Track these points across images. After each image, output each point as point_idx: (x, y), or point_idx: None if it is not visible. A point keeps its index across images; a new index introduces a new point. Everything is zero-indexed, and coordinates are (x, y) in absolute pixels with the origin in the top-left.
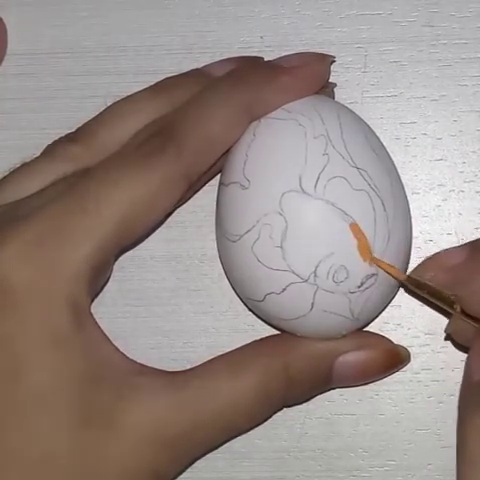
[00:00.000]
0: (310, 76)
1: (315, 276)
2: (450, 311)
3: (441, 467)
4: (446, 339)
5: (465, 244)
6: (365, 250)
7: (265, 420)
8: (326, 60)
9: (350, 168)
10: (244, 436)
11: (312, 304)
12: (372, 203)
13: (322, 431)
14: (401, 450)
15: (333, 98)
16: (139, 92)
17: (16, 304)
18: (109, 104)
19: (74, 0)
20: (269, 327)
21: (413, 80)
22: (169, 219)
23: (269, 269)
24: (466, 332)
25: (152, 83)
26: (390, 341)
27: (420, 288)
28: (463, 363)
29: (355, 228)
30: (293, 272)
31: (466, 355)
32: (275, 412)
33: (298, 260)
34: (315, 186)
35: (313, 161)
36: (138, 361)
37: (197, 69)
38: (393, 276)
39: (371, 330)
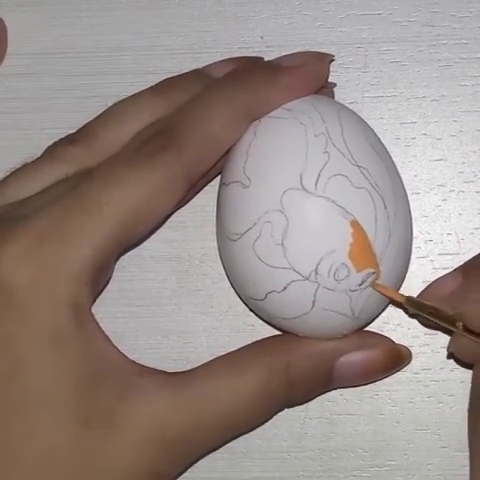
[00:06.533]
0: (309, 75)
1: (316, 274)
2: (452, 329)
3: (441, 467)
4: (449, 357)
5: (456, 270)
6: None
7: (266, 421)
8: (325, 59)
9: (351, 166)
10: (244, 436)
11: (313, 302)
12: (373, 201)
13: (322, 431)
14: (401, 450)
15: (333, 98)
16: (140, 92)
17: (17, 304)
18: (109, 104)
19: (74, 0)
20: (270, 327)
21: (413, 80)
22: (169, 219)
23: (270, 267)
24: (469, 349)
25: (152, 83)
26: (391, 341)
27: (420, 309)
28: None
29: (356, 226)
30: (294, 270)
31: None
32: (276, 413)
33: (299, 258)
34: (316, 184)
35: (314, 159)
36: (138, 361)
37: (197, 69)
38: (392, 300)
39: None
